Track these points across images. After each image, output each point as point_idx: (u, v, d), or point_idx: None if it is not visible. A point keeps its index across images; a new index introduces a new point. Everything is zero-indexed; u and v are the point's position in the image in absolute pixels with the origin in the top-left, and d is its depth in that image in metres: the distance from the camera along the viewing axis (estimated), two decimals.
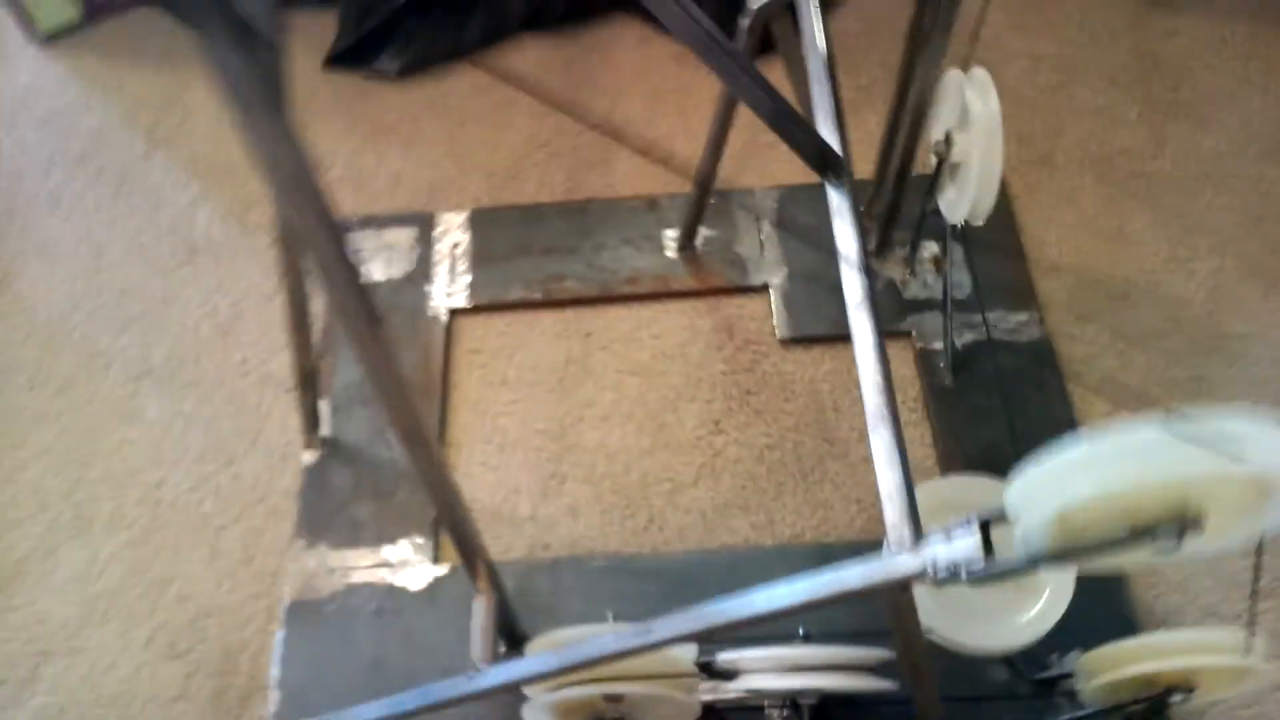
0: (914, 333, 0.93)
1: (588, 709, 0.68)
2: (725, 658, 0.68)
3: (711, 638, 0.59)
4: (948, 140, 0.80)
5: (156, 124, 1.13)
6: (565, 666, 0.61)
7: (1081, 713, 0.72)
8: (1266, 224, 0.99)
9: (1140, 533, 0.44)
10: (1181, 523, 0.43)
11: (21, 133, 1.14)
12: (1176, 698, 0.66)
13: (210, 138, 1.11)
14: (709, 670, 0.75)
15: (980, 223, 0.81)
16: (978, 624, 0.68)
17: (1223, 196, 1.00)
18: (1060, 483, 0.44)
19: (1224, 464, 0.41)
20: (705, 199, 0.94)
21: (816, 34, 0.68)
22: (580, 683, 0.65)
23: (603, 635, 0.59)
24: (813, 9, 0.70)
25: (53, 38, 1.19)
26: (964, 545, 0.48)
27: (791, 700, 0.71)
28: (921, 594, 0.66)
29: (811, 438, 0.89)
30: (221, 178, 1.08)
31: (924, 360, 0.91)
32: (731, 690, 0.68)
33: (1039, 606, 0.68)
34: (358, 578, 0.83)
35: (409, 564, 0.83)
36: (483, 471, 0.89)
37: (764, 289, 0.96)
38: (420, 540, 0.84)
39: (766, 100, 0.63)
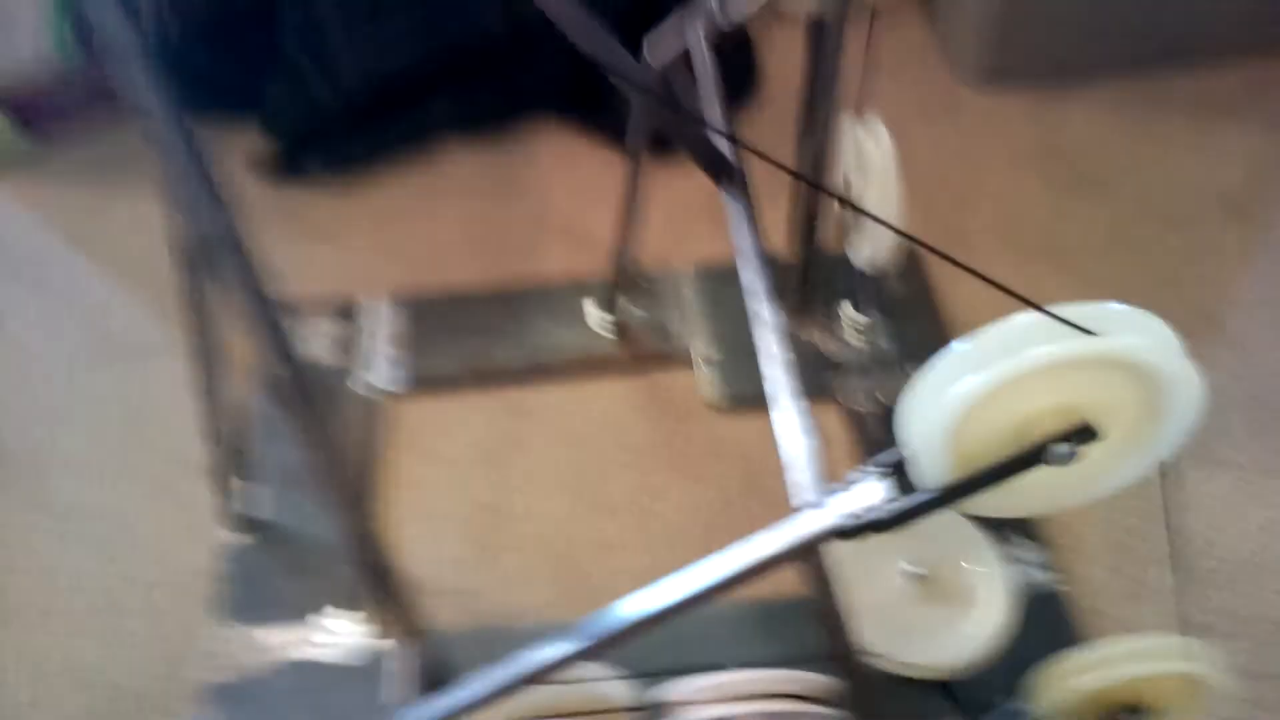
0: (839, 395, 0.93)
1: None
2: (659, 693, 0.65)
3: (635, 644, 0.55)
4: (846, 183, 0.83)
5: (78, 231, 1.14)
6: (490, 692, 0.57)
7: None
8: (1178, 285, 1.02)
9: (1034, 446, 0.43)
10: (1072, 431, 0.43)
11: None
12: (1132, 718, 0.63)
13: (127, 245, 1.12)
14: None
15: (887, 266, 0.83)
16: (921, 642, 0.65)
17: (1132, 258, 1.04)
18: (939, 399, 0.43)
19: (1093, 341, 0.41)
20: (624, 274, 0.96)
21: (708, 67, 0.71)
22: None
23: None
24: (704, 51, 0.73)
25: None
26: (867, 490, 0.47)
27: None
28: (865, 619, 0.64)
29: (742, 497, 0.87)
30: (140, 281, 1.08)
31: (853, 420, 0.91)
32: None
33: (977, 616, 0.65)
34: (275, 655, 0.78)
35: (332, 638, 0.79)
36: (416, 546, 0.86)
37: (690, 359, 0.97)
38: (344, 614, 0.80)
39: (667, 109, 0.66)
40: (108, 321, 1.05)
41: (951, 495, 0.45)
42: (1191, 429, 0.45)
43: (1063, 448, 0.43)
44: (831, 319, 0.98)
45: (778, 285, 1.03)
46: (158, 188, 0.64)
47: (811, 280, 0.97)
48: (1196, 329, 0.97)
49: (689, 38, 0.71)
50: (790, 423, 0.54)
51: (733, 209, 0.67)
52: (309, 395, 0.58)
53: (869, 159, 0.80)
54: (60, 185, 1.20)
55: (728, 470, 0.89)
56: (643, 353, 0.98)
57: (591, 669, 0.64)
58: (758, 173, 0.68)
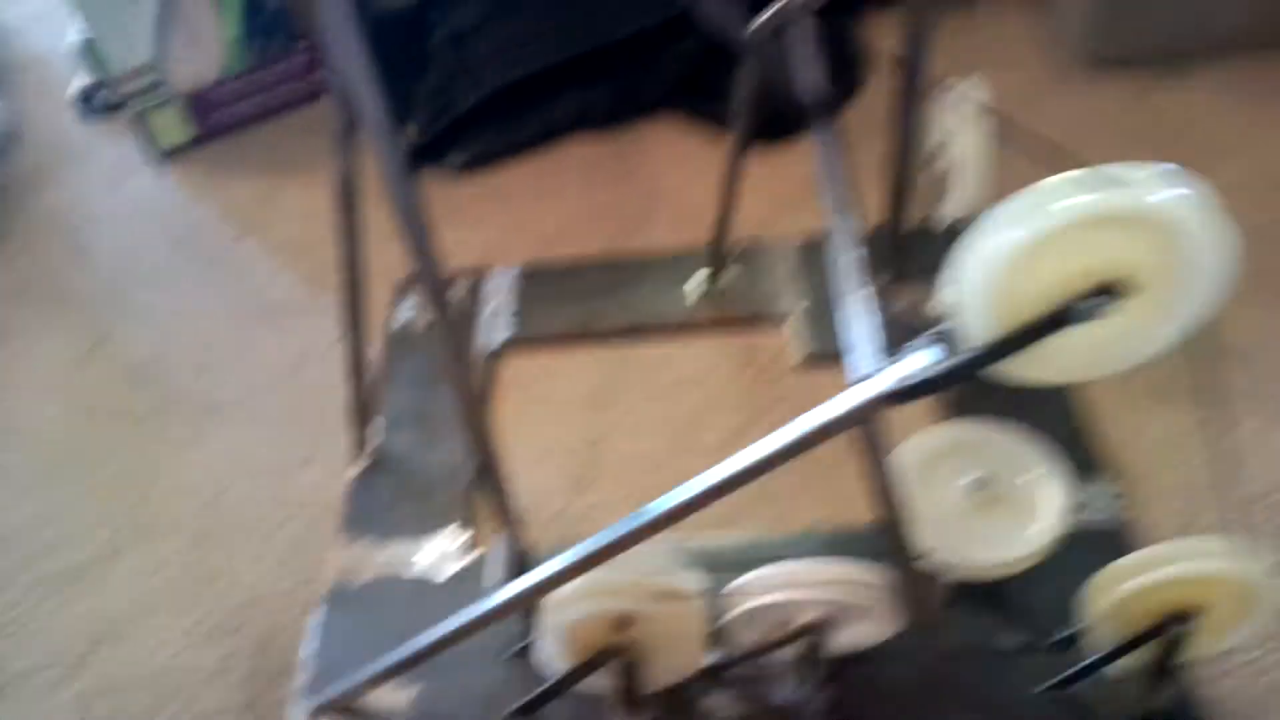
0: None
1: (597, 637, 0.69)
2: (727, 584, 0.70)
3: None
4: (940, 152, 0.88)
5: (247, 218, 1.28)
6: (571, 565, 0.64)
7: (1086, 660, 0.71)
8: (1268, 250, 1.02)
9: (1063, 305, 0.48)
10: (1108, 284, 0.47)
11: (131, 227, 1.30)
12: (1181, 626, 0.65)
13: (293, 227, 1.26)
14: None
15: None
16: (978, 548, 0.69)
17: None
18: (977, 258, 0.48)
19: (1133, 198, 0.45)
20: (724, 244, 1.03)
21: (808, 36, 0.77)
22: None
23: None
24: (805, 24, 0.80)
25: (169, 154, 1.39)
26: (918, 357, 0.52)
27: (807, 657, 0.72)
28: (926, 529, 0.68)
29: (827, 444, 0.92)
30: (299, 256, 1.21)
31: None
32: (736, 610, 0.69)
33: (1034, 526, 0.69)
34: (394, 569, 0.87)
35: (443, 556, 0.87)
36: (520, 474, 0.93)
37: (783, 319, 1.03)
38: (454, 535, 0.89)
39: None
40: (267, 289, 1.18)
41: (993, 354, 0.50)
42: (1216, 294, 0.48)
43: (1086, 306, 0.47)
44: (925, 290, 1.02)
45: (872, 256, 1.09)
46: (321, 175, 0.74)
47: (906, 251, 1.02)
48: None
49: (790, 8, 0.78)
50: (855, 309, 0.59)
51: (828, 177, 0.73)
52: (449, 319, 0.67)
53: (963, 127, 0.85)
54: (229, 174, 1.36)
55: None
56: (739, 315, 1.04)
57: (665, 561, 0.70)
58: (857, 144, 0.74)
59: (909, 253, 1.01)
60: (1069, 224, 0.46)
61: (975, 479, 0.70)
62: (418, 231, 0.63)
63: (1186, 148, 1.15)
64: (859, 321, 0.59)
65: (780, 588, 0.67)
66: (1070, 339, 0.48)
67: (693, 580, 0.70)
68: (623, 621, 0.69)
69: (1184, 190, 0.46)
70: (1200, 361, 0.94)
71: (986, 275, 0.48)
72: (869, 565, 0.67)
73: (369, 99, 0.59)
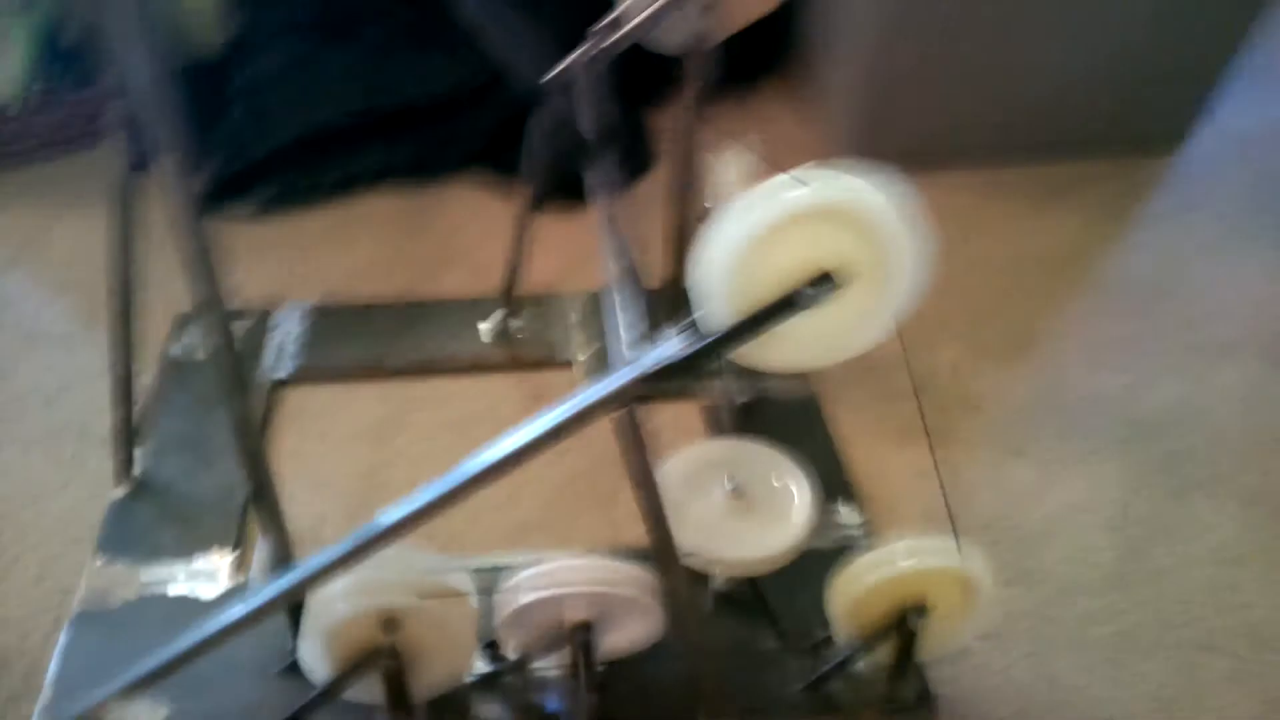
0: (701, 396, 1.04)
1: (364, 639, 0.69)
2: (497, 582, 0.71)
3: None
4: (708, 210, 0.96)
5: (20, 248, 1.22)
6: (334, 560, 0.64)
7: (836, 659, 0.76)
8: (1002, 319, 1.17)
9: (787, 293, 0.54)
10: (816, 278, 0.54)
11: None
12: (913, 620, 0.72)
13: (67, 260, 1.20)
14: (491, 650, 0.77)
15: None
16: (735, 546, 0.73)
17: (951, 299, 1.18)
18: (719, 247, 0.54)
19: (844, 195, 0.53)
20: (515, 294, 1.07)
21: (596, 94, 0.84)
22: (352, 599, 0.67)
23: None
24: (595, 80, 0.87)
25: None
26: (670, 344, 0.57)
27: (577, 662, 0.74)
28: (689, 530, 0.72)
29: (607, 473, 0.96)
30: (70, 288, 1.16)
31: (711, 416, 1.02)
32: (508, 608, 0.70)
33: (784, 527, 0.74)
34: (154, 590, 0.83)
35: (207, 577, 0.84)
36: (291, 506, 0.91)
37: (572, 363, 1.07)
38: (219, 557, 0.86)
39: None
40: (33, 319, 1.12)
41: (731, 337, 0.56)
42: (919, 286, 0.56)
43: (809, 292, 0.54)
44: None
45: (655, 306, 1.15)
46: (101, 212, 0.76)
47: (684, 298, 1.10)
48: (1015, 350, 1.11)
49: (582, 65, 0.84)
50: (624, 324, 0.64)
51: (607, 234, 0.78)
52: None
53: (729, 189, 0.94)
54: (3, 205, 1.29)
55: (595, 450, 0.98)
56: (527, 358, 1.08)
57: (435, 563, 0.71)
58: (647, 213, 0.79)
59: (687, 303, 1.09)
60: (790, 215, 0.53)
61: (734, 484, 0.75)
62: (201, 257, 0.64)
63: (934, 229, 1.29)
64: (626, 327, 0.64)
65: (548, 585, 0.69)
66: (799, 326, 0.55)
67: (462, 580, 0.71)
68: (390, 622, 0.69)
69: (887, 193, 0.54)
70: (940, 409, 1.05)
71: (723, 264, 0.54)
72: (637, 564, 0.71)
73: (166, 132, 0.60)
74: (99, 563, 0.85)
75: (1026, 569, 0.89)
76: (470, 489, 0.62)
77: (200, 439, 0.96)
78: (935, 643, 0.76)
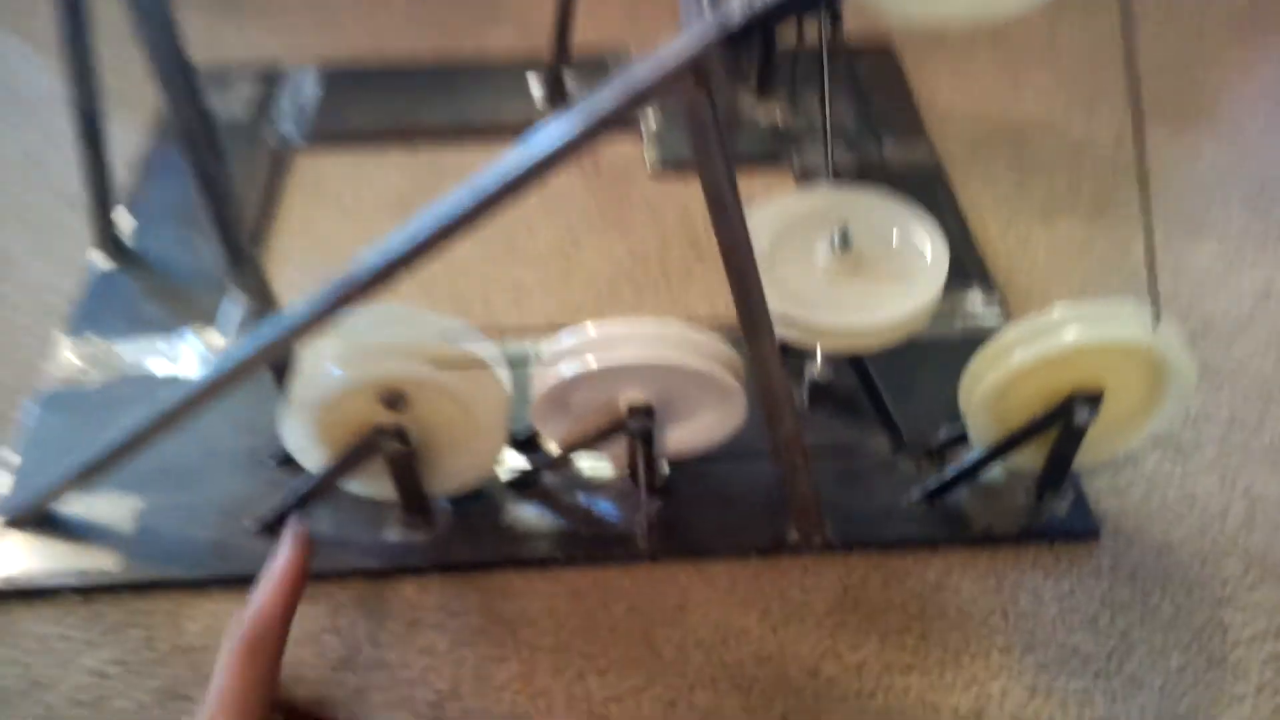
0: (794, 159, 0.85)
1: (366, 418, 0.54)
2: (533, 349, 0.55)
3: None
4: None
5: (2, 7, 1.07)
6: (318, 309, 0.48)
7: (963, 465, 0.59)
8: (1168, 73, 0.94)
9: None
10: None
11: None
12: (1083, 411, 0.54)
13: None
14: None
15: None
16: (842, 312, 0.56)
17: (1116, 55, 0.95)
18: None
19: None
20: (569, 51, 0.88)
21: None
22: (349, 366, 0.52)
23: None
24: None
25: None
26: None
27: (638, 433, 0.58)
28: (772, 289, 0.55)
29: (680, 249, 0.79)
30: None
31: (804, 178, 0.83)
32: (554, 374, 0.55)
33: (908, 290, 0.56)
34: (129, 370, 0.70)
35: (197, 354, 0.70)
36: (304, 281, 0.77)
37: (635, 127, 0.89)
38: (206, 331, 0.71)
39: None
40: (11, 81, 0.97)
41: None
42: None
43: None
44: (794, 97, 0.90)
45: (736, 65, 0.95)
46: None
47: (773, 59, 0.90)
48: (1193, 115, 0.89)
49: None
50: None
51: None
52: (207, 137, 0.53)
53: None
54: None
55: (664, 226, 0.81)
56: None
57: (456, 327, 0.55)
58: None
59: (776, 62, 0.90)
60: None
61: (840, 235, 0.57)
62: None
63: None
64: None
65: (598, 354, 0.53)
66: None
67: (488, 350, 0.56)
68: (395, 396, 0.54)
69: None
70: (1100, 181, 0.84)
71: None
72: (712, 336, 0.54)
73: None
74: (75, 337, 0.72)
75: (1211, 365, 0.69)
76: (499, 201, 0.46)
77: (193, 211, 0.80)
78: (1100, 447, 0.59)
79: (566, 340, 0.54)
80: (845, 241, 0.57)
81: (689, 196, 0.83)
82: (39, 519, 0.60)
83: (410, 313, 0.56)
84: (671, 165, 0.85)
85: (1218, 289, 0.75)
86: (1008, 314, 0.72)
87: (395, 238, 0.47)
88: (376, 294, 0.48)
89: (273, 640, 0.46)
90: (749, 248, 0.47)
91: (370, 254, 0.47)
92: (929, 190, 0.82)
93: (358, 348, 0.53)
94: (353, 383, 0.52)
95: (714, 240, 0.47)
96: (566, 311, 0.74)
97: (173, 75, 0.52)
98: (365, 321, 0.54)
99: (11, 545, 0.60)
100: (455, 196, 0.46)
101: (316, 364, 0.53)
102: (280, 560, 0.49)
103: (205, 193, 0.55)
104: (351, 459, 0.55)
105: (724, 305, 0.60)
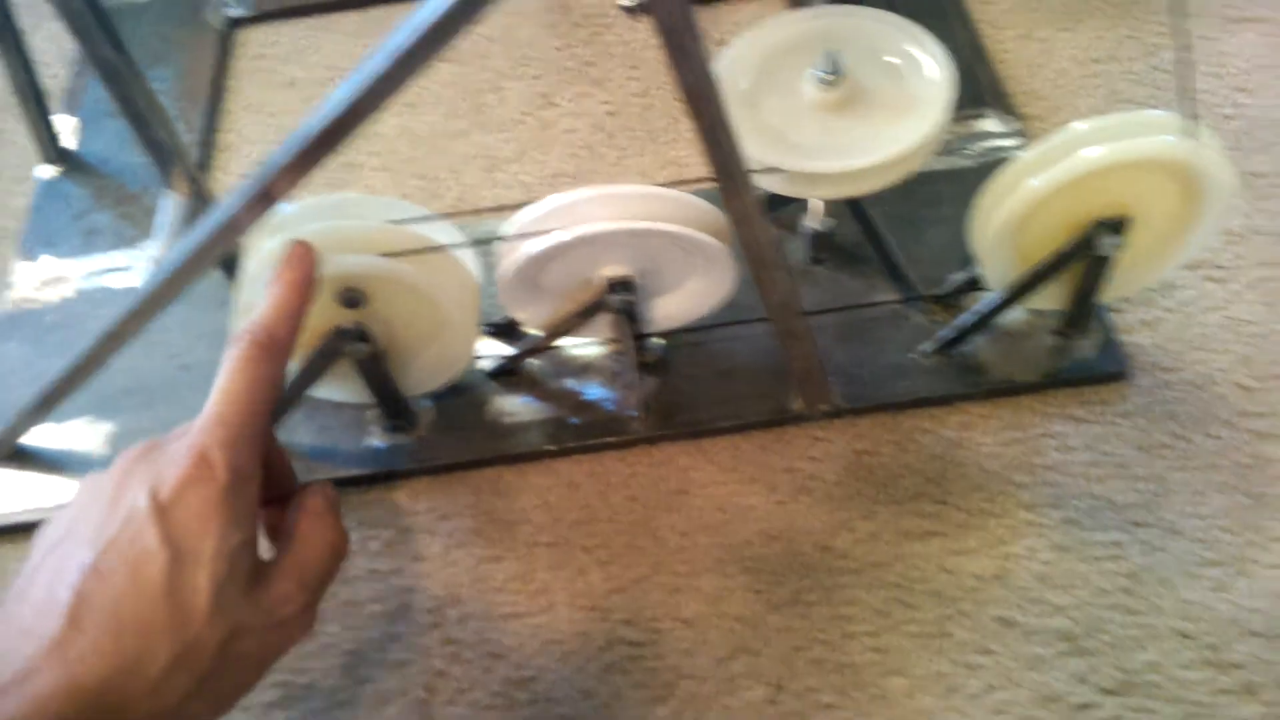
0: None
1: (323, 319, 0.50)
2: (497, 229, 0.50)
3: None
4: None
5: None
6: (247, 199, 0.43)
7: (979, 309, 0.54)
8: None
9: None
10: None
11: None
12: (1106, 240, 0.48)
13: None
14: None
15: None
16: (832, 153, 0.50)
17: None
18: None
19: None
20: None
21: None
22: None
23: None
24: None
25: None
26: None
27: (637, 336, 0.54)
28: (757, 133, 0.49)
29: (662, 100, 0.72)
30: None
31: (798, 3, 0.75)
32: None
33: (907, 121, 0.50)
34: (86, 285, 0.66)
35: (156, 261, 0.66)
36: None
37: None
38: (164, 241, 0.67)
39: None
40: None
41: None
42: None
43: None
44: None
45: None
46: None
47: None
48: None
49: None
50: None
51: None
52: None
53: None
54: None
55: (644, 74, 0.73)
56: None
57: (406, 210, 0.50)
58: None
59: None
60: None
61: (828, 67, 0.50)
62: None
63: None
64: None
65: (564, 220, 0.48)
66: None
67: (445, 232, 0.51)
68: (351, 293, 0.49)
69: None
70: None
71: None
72: (689, 195, 0.49)
73: None
74: (25, 255, 0.68)
75: (1256, 172, 0.62)
76: (415, 60, 0.39)
77: (149, 94, 0.75)
78: (1129, 276, 0.53)
79: (529, 214, 0.49)
80: (834, 71, 0.50)
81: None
82: (9, 454, 0.58)
83: (360, 200, 0.51)
84: (645, 6, 0.78)
85: (1262, 84, 0.67)
86: (1029, 136, 0.66)
87: (310, 116, 0.41)
88: (303, 178, 0.43)
89: (281, 341, 0.43)
90: (716, 94, 0.41)
91: (291, 137, 0.42)
92: (936, 1, 0.74)
93: (304, 235, 0.48)
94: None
95: None
96: (544, 181, 0.69)
97: None
98: (311, 214, 0.49)
99: None
100: (370, 61, 0.40)
101: (260, 265, 0.49)
102: (284, 264, 0.45)
103: (108, 83, 0.49)
104: (315, 366, 0.51)
105: None
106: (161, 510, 0.37)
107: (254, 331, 0.42)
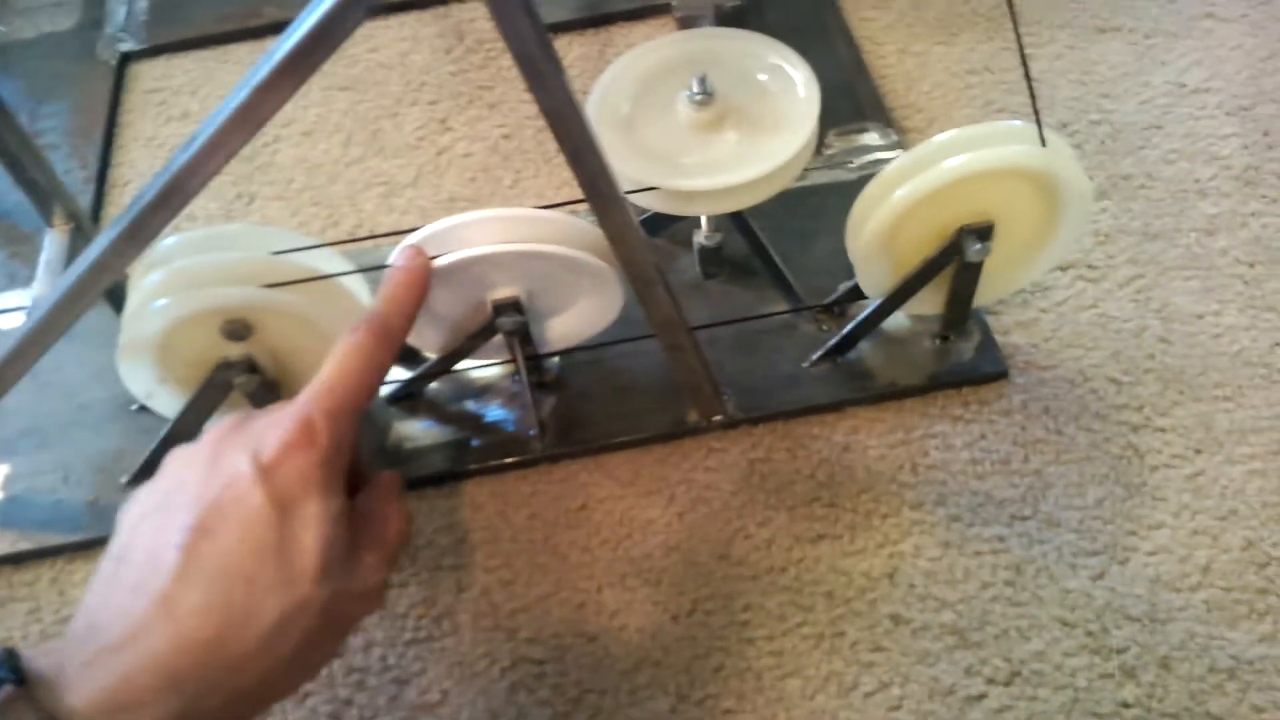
0: (672, 2, 0.78)
1: (210, 352, 0.50)
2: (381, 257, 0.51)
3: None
4: None
5: None
6: (126, 228, 0.43)
7: (860, 316, 0.56)
8: None
9: None
10: None
11: None
12: (973, 246, 0.51)
13: None
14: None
15: None
16: (709, 170, 0.51)
17: None
18: None
19: None
20: None
21: None
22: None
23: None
24: None
25: None
26: None
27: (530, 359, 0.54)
28: (635, 154, 0.51)
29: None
30: None
31: (686, 26, 0.77)
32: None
33: (779, 138, 0.51)
34: None
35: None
36: None
37: None
38: (47, 279, 0.66)
39: None
40: None
41: None
42: None
43: None
44: None
45: None
46: None
47: None
48: None
49: None
50: None
51: None
52: None
53: None
54: None
55: (529, 96, 0.74)
56: None
57: (290, 238, 0.50)
58: None
59: None
60: None
61: (701, 87, 0.51)
62: None
63: None
64: None
65: (443, 245, 0.48)
66: None
67: (328, 260, 0.51)
68: (235, 325, 0.49)
69: None
70: None
71: None
72: (570, 216, 0.50)
73: None
74: None
75: (1123, 174, 0.66)
76: (275, 89, 0.40)
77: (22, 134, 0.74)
78: (1001, 280, 0.55)
79: (413, 240, 0.49)
80: (705, 91, 0.52)
81: (561, 56, 0.76)
82: None
83: (246, 230, 0.51)
84: None
85: (1127, 90, 0.70)
86: (908, 148, 0.68)
87: (183, 146, 0.41)
88: (177, 209, 0.43)
89: (394, 330, 0.45)
90: (578, 114, 0.42)
91: (159, 172, 0.42)
92: (817, 18, 0.76)
93: (183, 275, 0.48)
94: (180, 315, 0.48)
95: None
96: (441, 205, 0.69)
97: None
98: (192, 247, 0.49)
99: None
100: (236, 91, 0.40)
101: (141, 299, 0.48)
102: (402, 262, 0.47)
103: None
104: (203, 399, 0.51)
105: None
106: (265, 471, 0.38)
107: (370, 320, 0.44)
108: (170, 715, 0.34)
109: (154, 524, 0.38)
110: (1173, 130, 0.67)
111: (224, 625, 0.36)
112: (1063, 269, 0.61)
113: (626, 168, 0.50)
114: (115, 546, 0.39)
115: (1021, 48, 0.47)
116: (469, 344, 0.53)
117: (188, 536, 0.37)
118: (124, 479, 0.57)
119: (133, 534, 0.39)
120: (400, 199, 0.69)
